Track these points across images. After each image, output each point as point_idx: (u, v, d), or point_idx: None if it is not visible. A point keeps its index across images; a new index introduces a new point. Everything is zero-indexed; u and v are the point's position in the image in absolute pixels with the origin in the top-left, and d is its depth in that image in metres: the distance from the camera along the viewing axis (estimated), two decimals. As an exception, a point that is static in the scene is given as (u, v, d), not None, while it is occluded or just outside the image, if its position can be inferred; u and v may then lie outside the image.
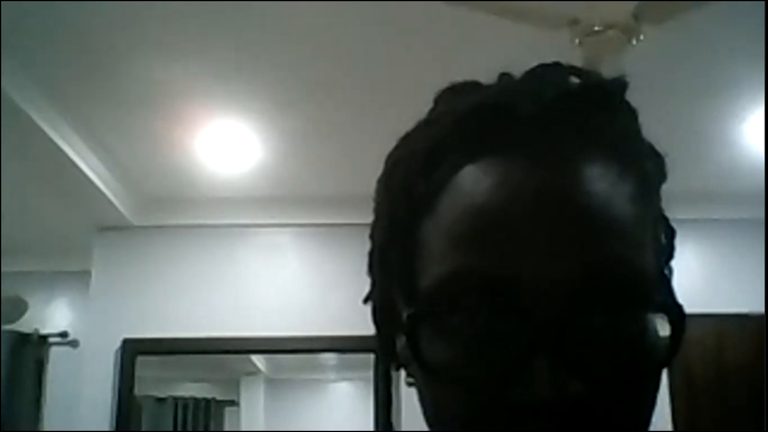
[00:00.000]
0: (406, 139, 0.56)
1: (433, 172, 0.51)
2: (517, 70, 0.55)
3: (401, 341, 0.54)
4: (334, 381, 4.52)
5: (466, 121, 0.51)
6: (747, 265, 3.88)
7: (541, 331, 0.44)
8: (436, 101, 0.57)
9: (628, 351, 0.46)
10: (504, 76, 0.56)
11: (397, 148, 0.56)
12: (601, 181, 0.48)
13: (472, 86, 0.56)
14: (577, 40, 2.23)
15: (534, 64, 0.54)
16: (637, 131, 0.54)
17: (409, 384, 0.55)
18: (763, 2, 2.43)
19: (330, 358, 4.28)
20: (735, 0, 2.39)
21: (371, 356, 3.71)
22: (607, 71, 0.55)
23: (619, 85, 0.53)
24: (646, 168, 0.53)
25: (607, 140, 0.50)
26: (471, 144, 0.50)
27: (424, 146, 0.52)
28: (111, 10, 2.58)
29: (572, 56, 2.18)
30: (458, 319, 0.47)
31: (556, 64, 0.54)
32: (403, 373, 0.58)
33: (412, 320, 0.48)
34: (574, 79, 0.53)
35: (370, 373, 3.73)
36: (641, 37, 2.22)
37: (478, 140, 0.50)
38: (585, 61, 2.20)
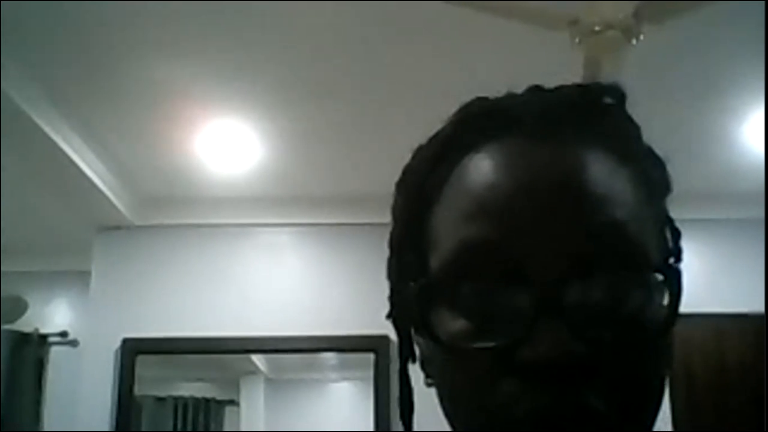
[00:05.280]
0: (419, 150, 0.59)
1: (438, 166, 0.54)
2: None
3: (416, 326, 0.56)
4: (335, 381, 4.51)
5: (469, 121, 0.54)
6: (747, 265, 3.87)
7: (542, 296, 0.46)
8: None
9: (629, 316, 0.48)
10: (509, 93, 0.59)
11: (411, 158, 0.60)
12: (600, 163, 0.51)
13: (480, 99, 0.59)
14: (577, 40, 2.22)
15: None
16: (637, 136, 0.56)
17: (429, 384, 0.56)
18: (763, 2, 2.43)
19: (330, 357, 4.27)
20: (735, 0, 2.39)
21: (371, 356, 3.71)
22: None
23: (616, 91, 0.56)
24: (645, 166, 0.55)
25: (606, 136, 0.53)
26: (473, 137, 0.53)
27: (431, 150, 0.56)
28: (111, 10, 2.58)
29: (572, 56, 2.18)
30: (466, 291, 0.49)
31: (561, 85, 0.57)
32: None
33: (423, 290, 0.51)
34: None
35: (371, 373, 3.73)
36: (641, 37, 2.22)
37: (479, 133, 0.53)
38: (585, 61, 2.20)
